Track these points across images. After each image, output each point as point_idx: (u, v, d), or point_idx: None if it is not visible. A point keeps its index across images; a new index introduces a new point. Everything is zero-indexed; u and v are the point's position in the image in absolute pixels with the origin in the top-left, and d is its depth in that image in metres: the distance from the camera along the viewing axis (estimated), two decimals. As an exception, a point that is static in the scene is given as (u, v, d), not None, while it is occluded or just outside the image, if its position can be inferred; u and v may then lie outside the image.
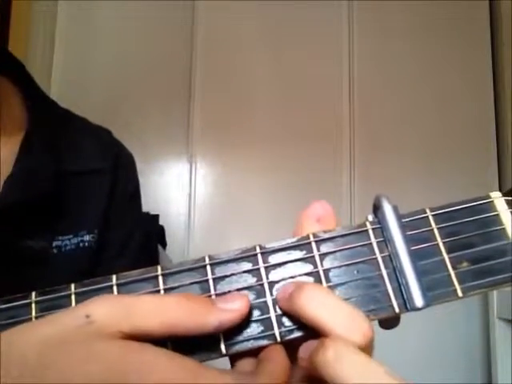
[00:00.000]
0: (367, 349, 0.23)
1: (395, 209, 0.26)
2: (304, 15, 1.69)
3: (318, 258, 0.26)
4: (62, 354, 0.22)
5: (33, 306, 0.27)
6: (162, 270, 0.27)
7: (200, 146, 1.63)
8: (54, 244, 0.47)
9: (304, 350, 0.24)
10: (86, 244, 0.50)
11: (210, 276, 0.26)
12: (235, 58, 1.68)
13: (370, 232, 0.26)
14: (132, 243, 0.56)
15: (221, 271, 0.26)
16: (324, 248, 0.26)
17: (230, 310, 0.24)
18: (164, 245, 1.49)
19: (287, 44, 1.69)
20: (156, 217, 1.48)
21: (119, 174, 0.55)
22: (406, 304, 0.25)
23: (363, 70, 1.68)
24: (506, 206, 0.26)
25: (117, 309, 0.23)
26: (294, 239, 0.27)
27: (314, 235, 0.27)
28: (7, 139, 0.47)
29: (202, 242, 1.58)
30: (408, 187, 1.60)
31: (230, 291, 0.26)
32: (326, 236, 0.26)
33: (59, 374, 0.22)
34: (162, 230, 1.50)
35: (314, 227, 0.27)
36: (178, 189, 1.63)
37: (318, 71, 1.67)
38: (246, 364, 0.26)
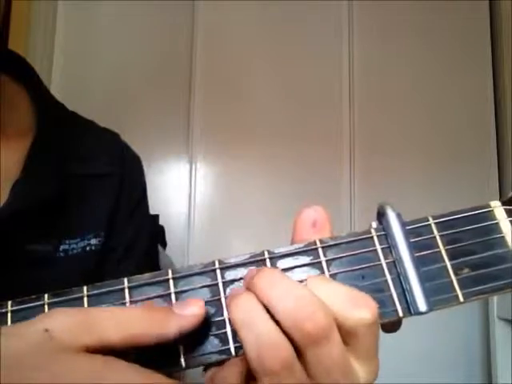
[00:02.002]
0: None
1: (399, 216, 0.27)
2: (304, 16, 1.69)
3: (324, 264, 0.27)
4: (27, 368, 0.23)
5: (45, 307, 0.27)
6: (172, 273, 0.28)
7: (200, 146, 1.64)
8: (61, 248, 0.48)
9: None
10: (93, 247, 0.50)
11: (219, 280, 0.27)
12: (235, 59, 1.68)
13: (375, 239, 0.27)
14: (138, 245, 0.56)
15: (230, 275, 0.27)
16: (330, 254, 0.27)
17: (188, 315, 0.25)
18: (164, 245, 1.49)
19: (287, 44, 1.69)
20: (156, 217, 1.49)
21: (126, 177, 0.55)
22: (410, 308, 0.26)
23: (363, 70, 1.68)
24: (505, 215, 0.27)
25: (76, 323, 0.24)
26: (302, 245, 0.28)
27: (321, 241, 0.27)
28: (15, 142, 0.47)
29: (202, 242, 1.59)
30: (408, 188, 1.60)
31: None
32: (333, 242, 0.27)
33: None
34: (162, 229, 1.51)
35: (309, 232, 0.28)
36: (177, 189, 1.63)
37: (318, 72, 1.68)
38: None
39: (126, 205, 0.55)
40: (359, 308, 0.24)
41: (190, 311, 0.25)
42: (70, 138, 0.52)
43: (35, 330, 0.23)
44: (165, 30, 1.69)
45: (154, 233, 1.32)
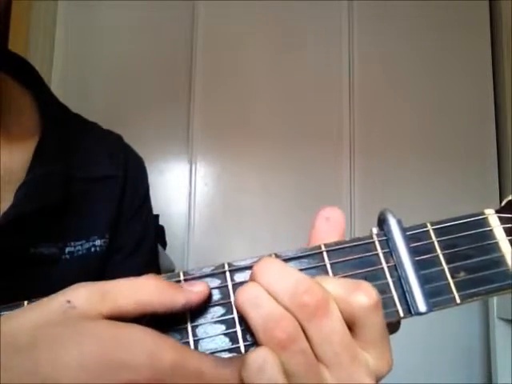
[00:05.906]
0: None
1: (399, 222, 0.29)
2: (304, 15, 1.70)
3: (329, 267, 0.28)
4: (52, 335, 0.24)
5: None
6: (184, 275, 0.29)
7: (200, 146, 1.65)
8: (67, 250, 0.48)
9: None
10: (98, 249, 0.51)
11: (229, 282, 0.29)
12: (235, 58, 1.69)
13: (377, 243, 0.29)
14: (143, 246, 0.57)
15: (239, 277, 0.29)
16: (335, 257, 0.29)
17: (195, 291, 0.27)
18: (164, 245, 1.51)
19: (287, 44, 1.70)
20: (156, 217, 1.50)
21: (129, 179, 0.56)
22: (410, 309, 0.27)
23: (363, 71, 1.69)
24: (498, 222, 0.29)
25: (94, 293, 0.25)
26: (307, 249, 0.29)
27: (326, 245, 0.29)
28: (20, 145, 0.47)
29: (202, 242, 1.60)
30: (408, 190, 1.61)
31: None
32: (337, 246, 0.29)
33: (51, 353, 0.23)
34: (162, 229, 1.52)
35: (323, 225, 0.30)
36: (177, 189, 1.64)
37: (318, 71, 1.69)
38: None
39: (130, 206, 0.56)
40: (357, 292, 0.26)
41: (197, 288, 0.28)
42: (74, 140, 0.53)
43: (58, 302, 0.25)
44: (165, 30, 1.70)
45: (155, 232, 1.33)
